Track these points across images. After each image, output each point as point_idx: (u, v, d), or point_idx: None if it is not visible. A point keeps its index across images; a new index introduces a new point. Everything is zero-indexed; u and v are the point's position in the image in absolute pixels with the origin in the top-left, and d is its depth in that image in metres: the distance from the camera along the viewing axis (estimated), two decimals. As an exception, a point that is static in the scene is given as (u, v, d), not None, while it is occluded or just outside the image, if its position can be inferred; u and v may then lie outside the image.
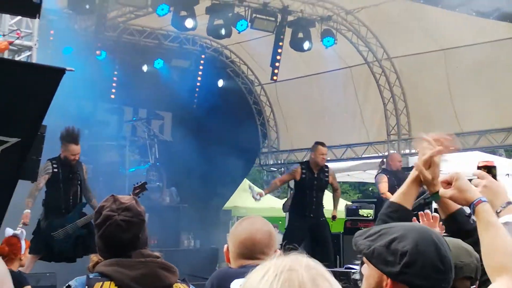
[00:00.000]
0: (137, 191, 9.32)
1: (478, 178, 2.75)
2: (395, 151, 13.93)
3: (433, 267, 2.18)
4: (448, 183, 2.58)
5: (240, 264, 3.48)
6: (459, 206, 2.99)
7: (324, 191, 11.89)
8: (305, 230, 11.29)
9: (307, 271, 1.62)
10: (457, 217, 2.97)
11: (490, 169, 2.76)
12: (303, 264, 1.64)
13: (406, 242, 2.18)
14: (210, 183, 14.18)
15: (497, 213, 3.00)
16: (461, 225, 2.95)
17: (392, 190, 11.61)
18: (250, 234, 3.50)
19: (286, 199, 16.96)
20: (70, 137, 9.50)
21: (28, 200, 9.31)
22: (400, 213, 2.83)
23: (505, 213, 2.95)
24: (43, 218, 9.51)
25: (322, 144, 11.63)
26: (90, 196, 9.82)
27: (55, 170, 9.48)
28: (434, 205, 12.14)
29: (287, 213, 12.07)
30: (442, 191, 2.60)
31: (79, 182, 9.75)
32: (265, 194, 11.84)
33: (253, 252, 3.47)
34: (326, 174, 11.71)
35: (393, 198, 2.94)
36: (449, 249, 2.26)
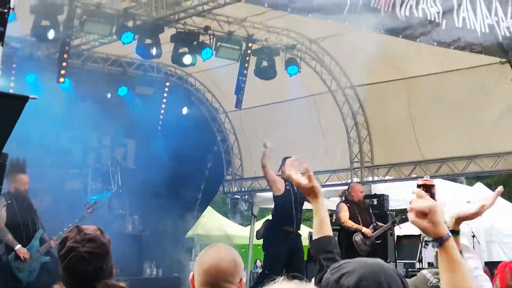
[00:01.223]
0: (90, 210, 9.33)
1: (416, 196, 2.75)
2: (358, 180, 14.04)
3: None
4: (423, 214, 2.46)
5: None
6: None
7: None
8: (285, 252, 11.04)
9: None
10: None
11: (428, 188, 2.76)
12: None
13: (351, 278, 2.17)
14: (173, 210, 14.09)
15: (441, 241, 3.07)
16: None
17: (353, 219, 11.70)
18: (214, 262, 3.48)
19: (250, 226, 16.98)
20: (17, 167, 9.38)
21: (9, 237, 9.18)
22: (334, 244, 2.90)
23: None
24: (3, 252, 9.34)
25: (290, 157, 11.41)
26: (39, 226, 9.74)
27: (9, 201, 9.35)
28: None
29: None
30: (414, 220, 2.49)
31: (34, 210, 9.66)
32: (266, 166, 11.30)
33: (217, 280, 3.46)
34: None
35: (319, 233, 3.04)
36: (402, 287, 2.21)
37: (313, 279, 3.06)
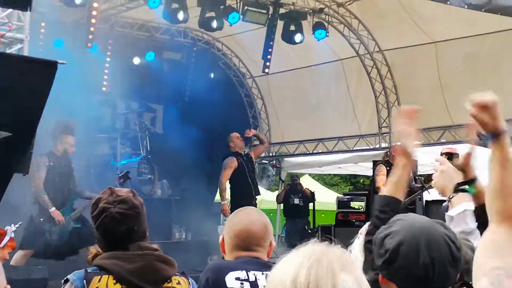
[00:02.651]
0: (121, 180, 9.38)
1: (439, 163, 2.71)
2: (386, 145, 13.98)
3: (409, 273, 2.13)
4: (483, 107, 2.35)
5: (236, 255, 3.48)
6: None
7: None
8: None
9: (339, 258, 1.69)
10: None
11: (451, 156, 2.75)
12: (335, 251, 1.72)
13: (393, 240, 2.16)
14: (201, 175, 14.15)
15: (449, 199, 3.02)
16: None
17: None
18: (245, 226, 3.49)
19: (278, 191, 17.04)
20: (67, 129, 9.56)
21: (45, 198, 9.30)
22: (392, 206, 2.83)
23: (456, 200, 2.98)
24: (37, 214, 9.48)
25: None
26: (83, 190, 9.85)
27: (52, 164, 9.49)
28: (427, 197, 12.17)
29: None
30: (474, 114, 2.39)
31: (73, 176, 9.78)
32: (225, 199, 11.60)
33: (248, 244, 3.47)
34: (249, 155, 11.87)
35: (384, 191, 2.95)
36: (447, 256, 2.15)
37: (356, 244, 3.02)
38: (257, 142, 13.36)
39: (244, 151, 11.85)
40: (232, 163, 11.50)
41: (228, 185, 11.67)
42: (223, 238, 3.57)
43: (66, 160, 9.67)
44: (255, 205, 11.81)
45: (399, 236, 2.16)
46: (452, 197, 2.93)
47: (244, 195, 11.39)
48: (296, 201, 15.68)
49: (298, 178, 16.86)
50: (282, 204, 16.21)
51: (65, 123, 9.61)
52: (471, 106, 2.33)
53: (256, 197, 11.97)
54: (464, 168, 2.82)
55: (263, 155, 16.96)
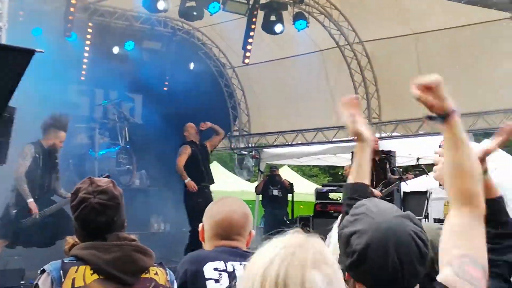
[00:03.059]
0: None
1: (438, 155, 2.69)
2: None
3: (378, 275, 2.08)
4: (427, 89, 2.32)
5: (215, 244, 3.47)
6: (499, 194, 2.94)
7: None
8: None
9: (313, 253, 1.67)
10: (492, 204, 2.81)
11: None
12: (313, 245, 1.70)
13: (360, 241, 2.09)
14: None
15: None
16: (495, 215, 2.78)
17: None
18: (226, 215, 3.49)
19: (257, 182, 17.05)
20: (60, 123, 9.52)
21: (24, 187, 9.23)
22: (360, 192, 2.83)
23: None
24: (13, 204, 9.39)
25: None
26: (58, 186, 9.79)
27: (36, 155, 9.43)
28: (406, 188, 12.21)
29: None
30: (419, 95, 2.34)
31: (57, 170, 9.72)
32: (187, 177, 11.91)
33: (229, 234, 3.47)
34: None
35: (349, 179, 2.96)
36: (415, 254, 2.09)
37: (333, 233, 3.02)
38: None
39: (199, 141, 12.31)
40: (186, 150, 12.06)
41: None
42: (202, 226, 3.56)
43: (53, 154, 9.61)
44: (209, 193, 12.20)
45: (366, 236, 2.09)
46: None
47: (196, 182, 11.87)
48: (275, 192, 15.72)
49: (277, 169, 16.87)
50: (261, 195, 16.22)
51: (59, 118, 9.56)
52: (415, 88, 2.29)
53: (210, 185, 12.38)
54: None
55: (242, 145, 16.96)
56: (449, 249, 2.15)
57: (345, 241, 2.14)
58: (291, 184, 16.00)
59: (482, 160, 2.78)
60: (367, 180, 2.91)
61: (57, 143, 9.55)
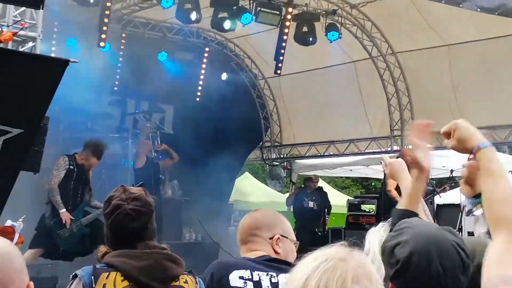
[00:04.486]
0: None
1: (466, 168, 2.74)
2: (398, 148, 13.92)
3: (422, 283, 2.11)
4: (448, 134, 2.49)
5: (244, 252, 3.49)
6: None
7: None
8: None
9: (355, 267, 1.69)
10: None
11: None
12: (355, 259, 1.72)
13: (404, 250, 2.14)
14: (212, 176, 14.15)
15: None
16: None
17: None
18: (254, 217, 3.55)
19: (288, 193, 16.99)
20: (97, 152, 9.71)
21: (57, 198, 9.36)
22: (398, 216, 2.84)
23: None
24: (49, 215, 9.51)
25: None
26: (91, 197, 9.91)
27: (71, 167, 9.57)
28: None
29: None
30: (445, 142, 2.51)
31: (89, 185, 9.86)
32: None
33: (248, 235, 3.49)
34: None
35: (399, 204, 2.96)
36: (458, 263, 2.14)
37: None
38: None
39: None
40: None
41: None
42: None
43: (85, 170, 9.78)
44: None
45: (409, 246, 2.14)
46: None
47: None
48: (311, 204, 15.44)
49: (313, 180, 16.58)
50: (292, 206, 16.05)
51: (98, 145, 9.77)
52: (442, 136, 2.48)
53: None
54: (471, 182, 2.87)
55: (273, 156, 16.95)
56: (484, 274, 2.15)
57: (389, 253, 2.17)
58: (326, 196, 15.73)
59: None
60: (417, 208, 2.93)
61: (85, 165, 9.73)
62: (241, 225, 3.54)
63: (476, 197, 2.95)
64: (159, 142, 13.26)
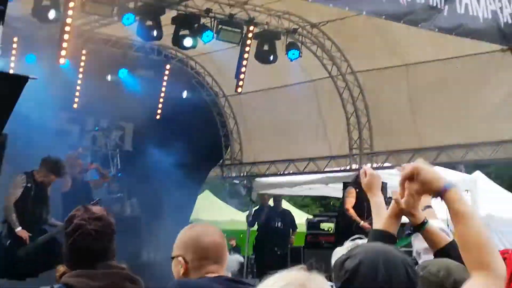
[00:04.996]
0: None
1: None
2: (356, 167, 14.00)
3: None
4: (409, 179, 2.43)
5: (207, 271, 3.23)
6: (449, 240, 3.00)
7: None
8: None
9: None
10: (449, 252, 2.94)
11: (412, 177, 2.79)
12: (315, 284, 1.71)
13: (353, 261, 2.15)
14: (172, 194, 14.09)
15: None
16: (457, 260, 2.75)
17: (359, 206, 11.51)
18: (213, 237, 3.30)
19: (248, 211, 16.97)
20: (57, 169, 9.58)
21: (13, 217, 9.19)
22: (387, 240, 2.81)
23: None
24: (5, 234, 9.35)
25: None
26: (49, 216, 9.78)
27: (28, 185, 9.42)
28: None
29: None
30: (406, 187, 2.45)
31: (47, 203, 9.72)
32: None
33: (218, 257, 3.27)
34: None
35: (378, 224, 2.95)
36: (403, 276, 2.14)
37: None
38: None
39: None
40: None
41: None
42: (183, 258, 3.26)
43: (44, 186, 9.63)
44: None
45: (358, 257, 2.16)
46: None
47: None
48: (278, 224, 15.35)
49: (280, 199, 16.49)
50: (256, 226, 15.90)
51: (56, 163, 9.64)
52: (400, 182, 2.41)
53: None
54: (411, 212, 2.85)
55: (233, 174, 16.93)
56: None
57: (339, 266, 2.19)
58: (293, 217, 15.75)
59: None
60: (395, 230, 2.91)
61: (45, 182, 9.60)
62: (209, 243, 3.28)
63: (417, 229, 2.96)
64: (118, 160, 13.19)
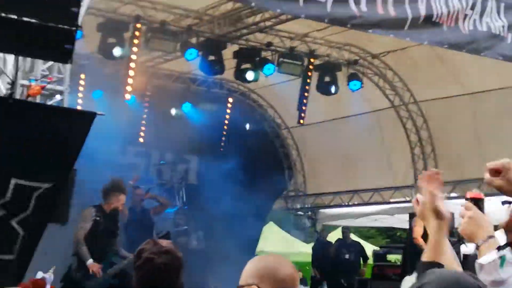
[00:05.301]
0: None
1: (465, 209, 2.69)
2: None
3: None
4: (496, 172, 2.38)
5: None
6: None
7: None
8: None
9: None
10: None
11: (477, 202, 2.74)
12: None
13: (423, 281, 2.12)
14: (236, 226, 14.14)
15: (478, 246, 2.98)
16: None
17: (427, 235, 11.35)
18: (289, 269, 3.09)
19: (313, 243, 16.87)
20: (119, 187, 9.71)
21: (83, 249, 9.36)
22: (424, 268, 2.78)
23: (486, 247, 2.92)
24: (75, 267, 9.50)
25: None
26: (118, 248, 9.90)
27: (97, 218, 9.57)
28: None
29: None
30: (489, 179, 2.40)
31: (116, 233, 9.85)
32: None
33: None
34: None
35: (423, 256, 2.91)
36: None
37: None
38: None
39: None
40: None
41: None
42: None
43: (114, 218, 9.77)
44: None
45: (432, 285, 2.11)
46: (481, 244, 2.90)
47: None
48: (347, 256, 15.16)
49: (349, 231, 16.32)
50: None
51: (118, 181, 9.77)
52: (486, 172, 2.32)
53: None
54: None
55: (298, 206, 16.91)
56: None
57: None
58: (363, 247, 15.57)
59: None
60: (444, 259, 2.87)
61: (119, 206, 9.73)
62: (286, 275, 3.08)
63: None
64: (184, 193, 13.32)
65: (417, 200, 3.39)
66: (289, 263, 3.33)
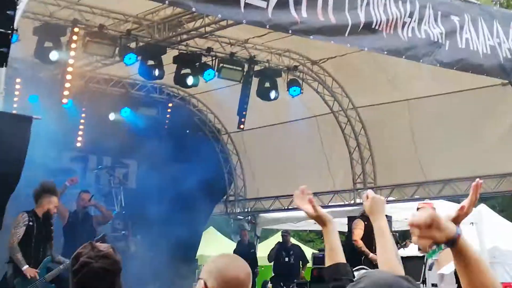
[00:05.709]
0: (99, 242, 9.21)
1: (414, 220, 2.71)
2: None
3: None
4: (428, 226, 2.38)
5: None
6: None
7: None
8: None
9: None
10: None
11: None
12: None
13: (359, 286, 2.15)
14: (176, 230, 14.05)
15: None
16: None
17: (368, 237, 11.48)
18: (237, 272, 3.16)
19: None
20: (51, 190, 9.54)
21: (18, 256, 9.18)
22: (342, 271, 2.89)
23: (444, 257, 2.99)
24: (11, 274, 9.32)
25: None
26: (54, 253, 9.75)
27: (30, 223, 9.40)
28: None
29: None
30: (421, 235, 2.39)
31: (51, 237, 9.69)
32: None
33: None
34: None
35: (326, 262, 3.02)
36: None
37: None
38: None
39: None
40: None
41: None
42: (204, 283, 3.16)
43: (47, 221, 9.60)
44: None
45: (364, 283, 2.14)
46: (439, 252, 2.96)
47: None
48: (287, 259, 15.47)
49: (289, 234, 16.63)
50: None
51: (48, 184, 9.61)
52: (412, 228, 2.31)
53: None
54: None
55: (238, 210, 16.91)
56: None
57: None
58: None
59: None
60: (342, 258, 2.96)
61: (51, 208, 9.57)
62: (232, 278, 3.14)
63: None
64: (122, 198, 13.19)
65: (367, 196, 3.47)
66: (243, 267, 3.32)
